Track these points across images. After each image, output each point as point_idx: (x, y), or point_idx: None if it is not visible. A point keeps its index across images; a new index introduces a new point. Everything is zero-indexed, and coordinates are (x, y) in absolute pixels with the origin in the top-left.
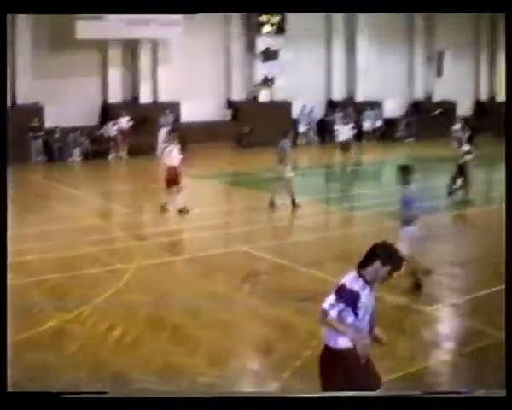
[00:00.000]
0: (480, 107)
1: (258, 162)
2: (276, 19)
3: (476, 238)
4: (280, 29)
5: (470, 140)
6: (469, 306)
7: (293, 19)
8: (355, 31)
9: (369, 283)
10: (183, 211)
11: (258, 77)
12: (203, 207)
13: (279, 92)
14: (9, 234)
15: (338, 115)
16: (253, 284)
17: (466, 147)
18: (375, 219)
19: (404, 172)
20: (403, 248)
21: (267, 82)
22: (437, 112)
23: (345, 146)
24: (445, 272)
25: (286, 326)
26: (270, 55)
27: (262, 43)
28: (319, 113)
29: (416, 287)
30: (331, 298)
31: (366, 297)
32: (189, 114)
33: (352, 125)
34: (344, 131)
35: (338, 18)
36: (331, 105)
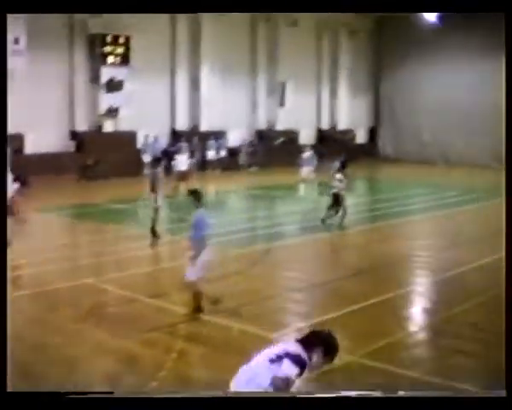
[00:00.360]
0: (322, 135)
1: (104, 194)
2: (120, 50)
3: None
4: (124, 60)
5: (342, 169)
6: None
7: (138, 50)
8: (199, 62)
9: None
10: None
11: (103, 107)
12: (46, 241)
13: (124, 123)
14: None
15: (182, 145)
16: (99, 317)
17: (338, 175)
18: (217, 248)
19: (195, 196)
20: (192, 271)
21: (112, 112)
22: (280, 140)
23: (183, 176)
24: (288, 297)
25: (132, 358)
26: (114, 85)
27: (106, 74)
28: (164, 143)
29: (197, 310)
30: (294, 368)
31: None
32: (32, 146)
33: (187, 155)
34: (182, 161)
35: (182, 50)
36: (175, 135)
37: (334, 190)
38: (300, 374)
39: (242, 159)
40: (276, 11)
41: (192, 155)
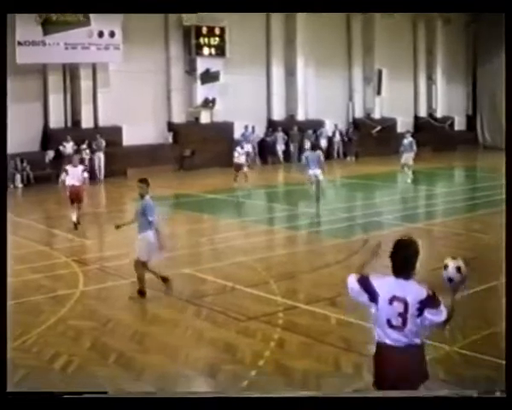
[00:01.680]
0: (419, 122)
1: (201, 185)
2: (215, 41)
3: None
4: (220, 51)
5: None
6: None
7: (233, 42)
8: (295, 55)
9: None
10: (75, 226)
11: (199, 99)
12: None
13: (220, 114)
14: None
15: (279, 135)
16: (198, 306)
17: None
18: (317, 237)
19: (142, 184)
20: (141, 253)
21: (208, 104)
22: (377, 129)
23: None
24: None
25: (231, 347)
26: (210, 76)
27: (202, 65)
28: (261, 133)
29: (140, 293)
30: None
31: None
32: (130, 138)
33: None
34: (240, 153)
35: (277, 43)
36: (272, 125)
37: None
38: None
39: (339, 148)
40: (279, 11)
41: (287, 144)
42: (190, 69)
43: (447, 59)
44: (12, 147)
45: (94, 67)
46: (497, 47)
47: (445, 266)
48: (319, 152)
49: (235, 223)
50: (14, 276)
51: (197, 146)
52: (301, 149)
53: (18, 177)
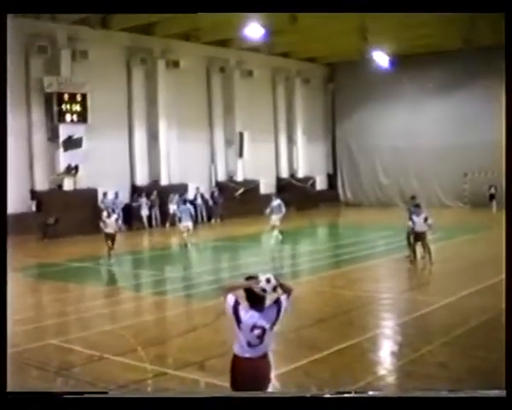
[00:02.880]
0: (281, 183)
1: (65, 253)
2: (77, 107)
3: None
4: (82, 117)
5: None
6: None
7: (95, 108)
8: (156, 117)
9: None
10: None
11: (62, 166)
12: (9, 303)
13: (83, 180)
14: None
15: (143, 200)
16: (66, 377)
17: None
18: (181, 302)
19: None
20: None
21: (71, 171)
22: (241, 191)
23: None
24: None
25: None
26: (72, 143)
27: (64, 132)
28: (124, 198)
29: None
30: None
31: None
32: None
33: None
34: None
35: (139, 106)
36: (136, 190)
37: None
38: None
39: (202, 211)
40: (272, 11)
41: (150, 209)
42: (53, 136)
43: (307, 119)
44: None
45: None
46: (355, 105)
47: (259, 282)
48: (189, 206)
49: (101, 291)
50: None
51: (61, 214)
52: (164, 214)
53: None
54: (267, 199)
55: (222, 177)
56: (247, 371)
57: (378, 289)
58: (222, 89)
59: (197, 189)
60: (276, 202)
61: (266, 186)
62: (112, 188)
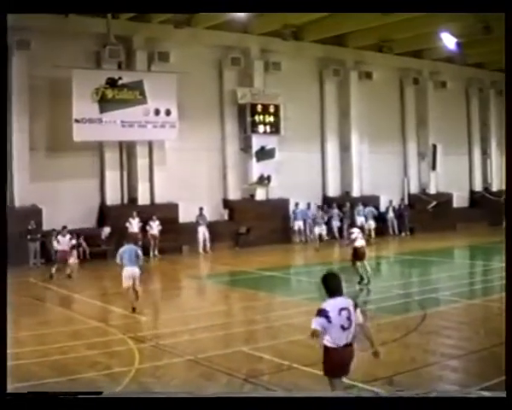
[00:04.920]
0: (474, 197)
1: (256, 261)
2: (270, 119)
3: None
4: (274, 128)
5: None
6: None
7: (287, 119)
8: (349, 130)
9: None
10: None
11: (254, 176)
12: (201, 309)
13: (275, 191)
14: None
15: (334, 212)
16: (255, 385)
17: None
18: (370, 316)
19: None
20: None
21: (263, 181)
22: (433, 204)
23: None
24: (445, 365)
25: None
26: (265, 154)
27: (257, 143)
28: (314, 209)
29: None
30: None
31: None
32: (186, 215)
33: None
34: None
35: (331, 119)
36: (327, 201)
37: None
38: None
39: (393, 224)
40: (278, 11)
41: (342, 221)
42: (245, 146)
43: (501, 130)
44: (69, 222)
45: (150, 145)
46: None
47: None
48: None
49: (290, 301)
50: (69, 352)
51: (252, 223)
52: (352, 225)
53: (74, 252)
54: (460, 213)
55: (414, 189)
56: (344, 357)
57: None
58: (415, 101)
59: (390, 202)
60: None
61: (459, 199)
62: (303, 199)
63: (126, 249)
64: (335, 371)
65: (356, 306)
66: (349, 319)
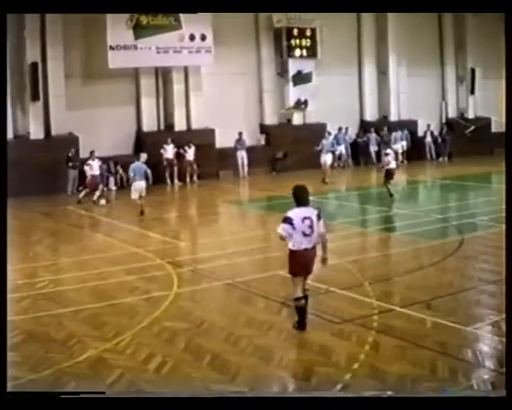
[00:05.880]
0: None
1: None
2: (307, 42)
3: None
4: (311, 52)
5: None
6: None
7: (324, 43)
8: (386, 54)
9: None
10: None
11: (291, 101)
12: (239, 234)
13: (312, 115)
14: (45, 263)
15: (372, 136)
16: (292, 308)
17: None
18: (408, 240)
19: None
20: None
21: (300, 105)
22: (471, 129)
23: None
24: (482, 290)
25: (325, 350)
26: (302, 78)
27: (294, 67)
28: (353, 134)
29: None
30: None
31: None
32: (223, 140)
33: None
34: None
35: (369, 43)
36: (364, 126)
37: None
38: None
39: (431, 149)
40: (281, 11)
41: (379, 145)
42: (282, 71)
43: None
44: (106, 150)
45: (186, 71)
46: None
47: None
48: None
49: (328, 225)
50: (109, 277)
51: (290, 148)
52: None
53: (112, 179)
54: (498, 138)
55: (452, 114)
56: (305, 259)
57: None
58: (453, 27)
59: (428, 126)
60: None
61: (497, 124)
62: (340, 123)
63: (136, 167)
64: (297, 270)
65: (319, 216)
66: (311, 227)
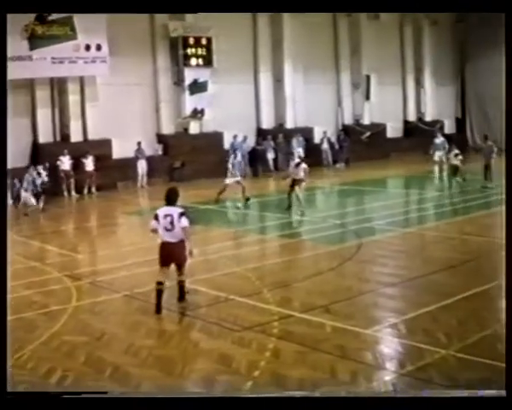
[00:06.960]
0: (408, 127)
1: (191, 196)
2: (202, 51)
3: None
4: (207, 61)
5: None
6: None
7: (220, 52)
8: (282, 61)
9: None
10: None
11: (188, 110)
12: (136, 245)
13: (209, 124)
14: None
15: (269, 144)
16: (192, 318)
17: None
18: (309, 245)
19: None
20: None
21: (197, 114)
22: (367, 134)
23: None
24: (381, 293)
25: (225, 358)
26: (198, 87)
27: (190, 76)
28: (250, 142)
29: None
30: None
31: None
32: (120, 151)
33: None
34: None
35: (264, 50)
36: (261, 134)
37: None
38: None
39: (327, 155)
40: (278, 11)
41: (276, 152)
42: (178, 80)
43: (435, 61)
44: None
45: (82, 81)
46: (485, 47)
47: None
48: None
49: (227, 233)
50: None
51: (187, 157)
52: (288, 157)
53: (8, 193)
54: (393, 143)
55: (348, 120)
56: (167, 250)
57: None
58: (348, 32)
59: (324, 133)
60: (440, 139)
61: (393, 130)
62: (237, 131)
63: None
64: (161, 260)
65: (182, 215)
66: (172, 223)
